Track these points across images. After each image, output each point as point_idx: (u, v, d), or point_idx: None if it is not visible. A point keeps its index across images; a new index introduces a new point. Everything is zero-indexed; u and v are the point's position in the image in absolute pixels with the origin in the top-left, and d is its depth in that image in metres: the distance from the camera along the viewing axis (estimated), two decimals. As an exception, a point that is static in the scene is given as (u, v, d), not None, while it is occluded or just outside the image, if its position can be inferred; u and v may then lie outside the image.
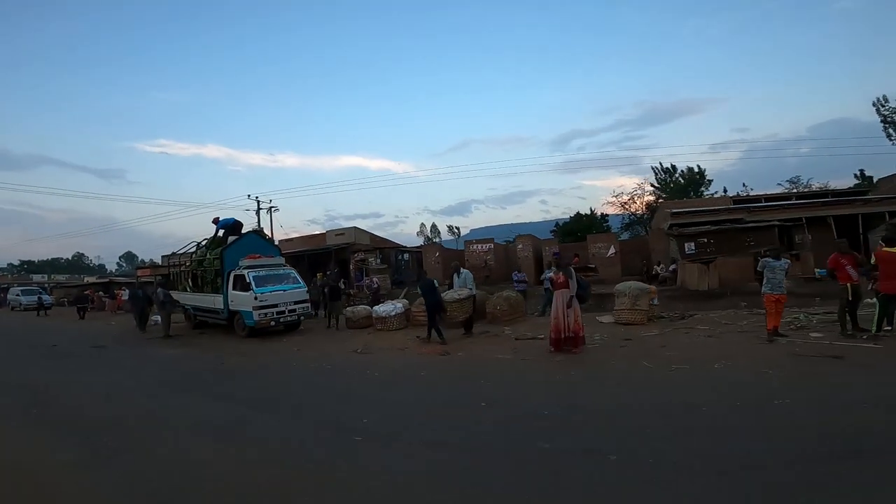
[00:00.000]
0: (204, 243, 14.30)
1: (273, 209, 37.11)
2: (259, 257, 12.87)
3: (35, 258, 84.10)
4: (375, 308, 12.20)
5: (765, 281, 7.48)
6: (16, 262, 79.86)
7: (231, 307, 12.36)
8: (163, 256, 17.18)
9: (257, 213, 36.85)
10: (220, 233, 13.83)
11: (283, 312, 12.42)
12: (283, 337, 11.89)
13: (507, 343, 8.70)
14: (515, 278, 16.24)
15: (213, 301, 12.94)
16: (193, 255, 14.50)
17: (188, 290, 14.29)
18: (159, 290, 13.52)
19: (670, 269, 20.01)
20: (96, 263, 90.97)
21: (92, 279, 49.99)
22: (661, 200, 35.89)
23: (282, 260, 13.55)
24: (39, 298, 27.33)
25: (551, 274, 8.88)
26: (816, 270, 15.28)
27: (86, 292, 29.05)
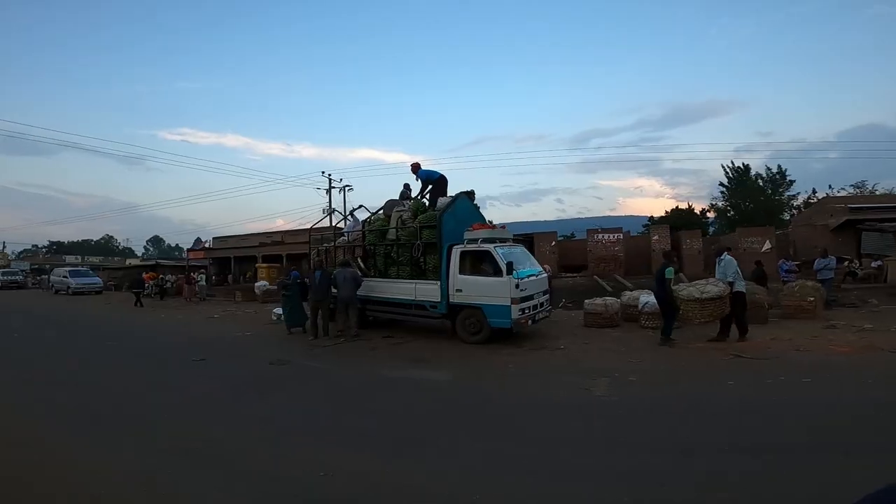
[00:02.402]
0: (379, 212, 10.18)
1: (347, 188, 33.32)
2: (486, 227, 8.77)
3: (63, 240, 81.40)
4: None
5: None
6: (44, 244, 77.17)
7: (455, 299, 8.27)
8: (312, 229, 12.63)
9: (328, 191, 33.03)
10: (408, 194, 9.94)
11: (536, 307, 8.34)
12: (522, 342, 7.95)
13: None
14: (785, 268, 12.08)
15: (415, 290, 8.76)
16: (368, 225, 10.29)
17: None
18: (341, 270, 9.13)
19: (873, 264, 17.27)
20: (125, 246, 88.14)
21: (135, 261, 46.68)
22: (720, 203, 34.73)
23: (510, 234, 9.41)
24: (140, 286, 20.93)
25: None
26: None
27: (144, 275, 25.36)
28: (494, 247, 8.05)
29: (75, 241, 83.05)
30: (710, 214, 36.20)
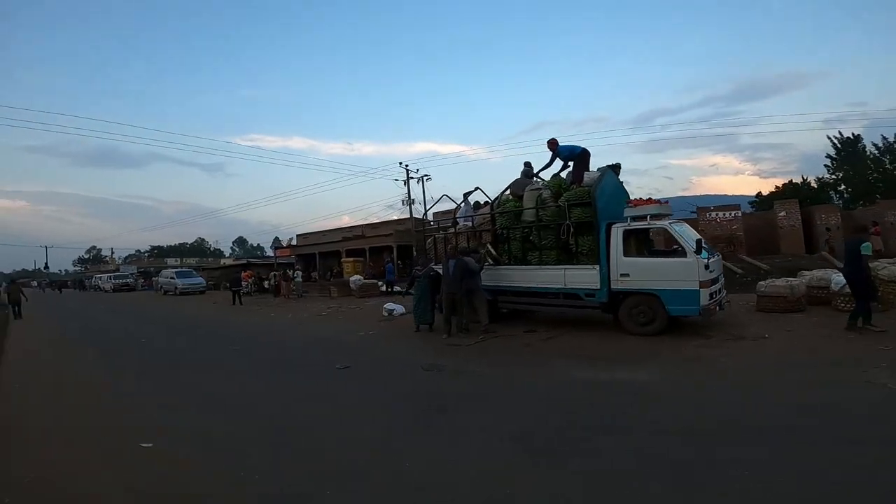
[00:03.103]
0: (505, 193, 9.27)
1: (426, 178, 33.04)
2: (648, 203, 7.59)
3: (162, 244, 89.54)
4: None
5: None
6: (146, 248, 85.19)
7: (619, 285, 7.10)
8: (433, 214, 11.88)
9: (406, 182, 32.92)
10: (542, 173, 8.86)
11: (720, 291, 7.09)
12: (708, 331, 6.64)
13: None
14: None
15: (565, 277, 7.69)
16: (496, 206, 9.28)
17: (488, 262, 9.30)
18: (463, 259, 8.37)
19: None
20: (215, 248, 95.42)
21: (228, 261, 49.78)
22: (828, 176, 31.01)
23: (671, 210, 8.13)
24: (238, 284, 21.20)
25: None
26: None
27: (242, 273, 26.47)
28: (670, 223, 6.85)
29: (172, 244, 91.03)
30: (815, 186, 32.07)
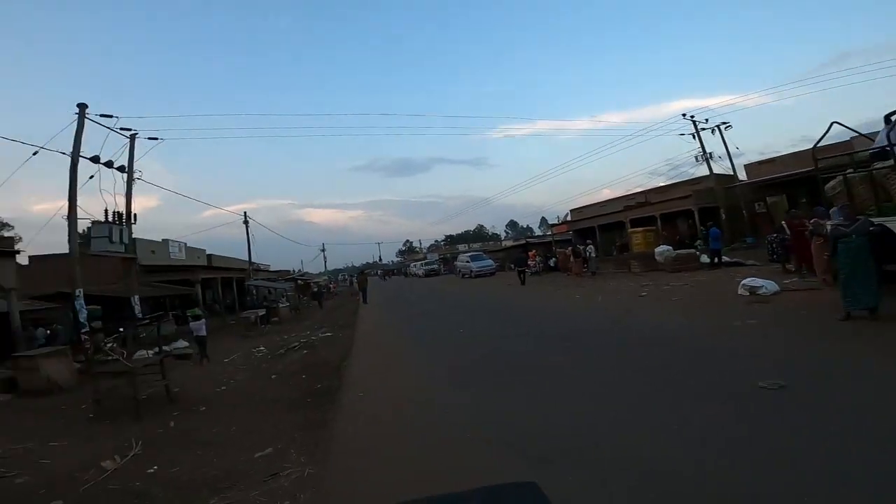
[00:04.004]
0: None
1: (724, 126, 26.45)
2: None
3: (452, 233, 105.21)
4: None
5: None
6: (441, 238, 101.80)
7: None
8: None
9: (695, 135, 27.05)
10: None
11: None
12: None
13: None
14: None
15: None
16: None
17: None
18: None
19: None
20: (493, 233, 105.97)
21: (509, 243, 53.38)
22: None
23: None
24: (523, 264, 22.11)
25: None
26: None
27: (528, 253, 26.64)
28: None
29: (459, 233, 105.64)
30: None
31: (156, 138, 15.26)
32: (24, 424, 7.10)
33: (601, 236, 31.50)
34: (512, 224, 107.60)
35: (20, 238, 42.87)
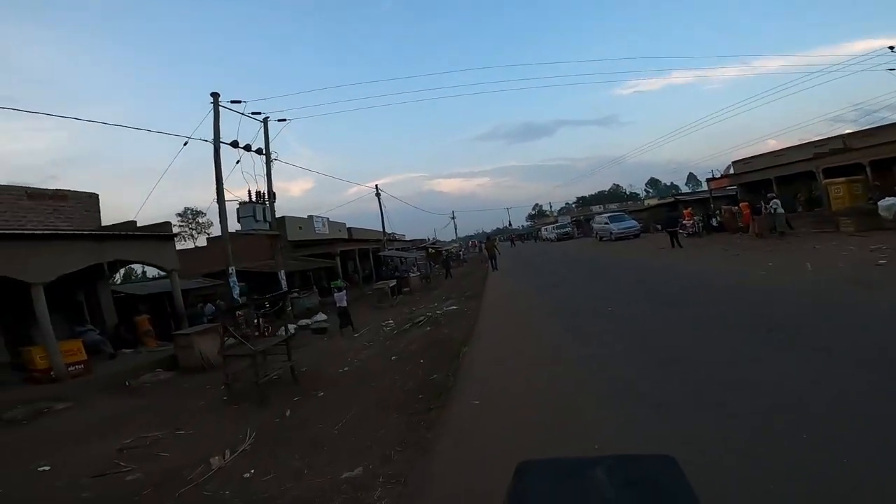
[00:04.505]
0: None
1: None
2: None
3: (584, 194, 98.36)
4: None
5: None
6: (572, 200, 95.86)
7: None
8: None
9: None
10: None
11: None
12: None
13: None
14: None
15: None
16: None
17: None
18: None
19: None
20: (631, 192, 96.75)
21: (652, 201, 47.57)
22: None
23: None
24: (673, 225, 18.06)
25: None
26: None
27: (683, 211, 22.55)
28: None
29: (592, 194, 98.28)
30: None
31: (284, 119, 15.72)
32: (170, 403, 7.60)
33: (778, 190, 25.20)
34: (652, 182, 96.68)
35: (211, 223, 51.77)
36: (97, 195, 13.38)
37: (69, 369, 8.87)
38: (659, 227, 25.78)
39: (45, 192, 12.08)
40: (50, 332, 8.68)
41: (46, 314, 8.70)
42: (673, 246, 17.01)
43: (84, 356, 9.21)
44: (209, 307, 14.99)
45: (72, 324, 12.05)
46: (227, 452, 4.81)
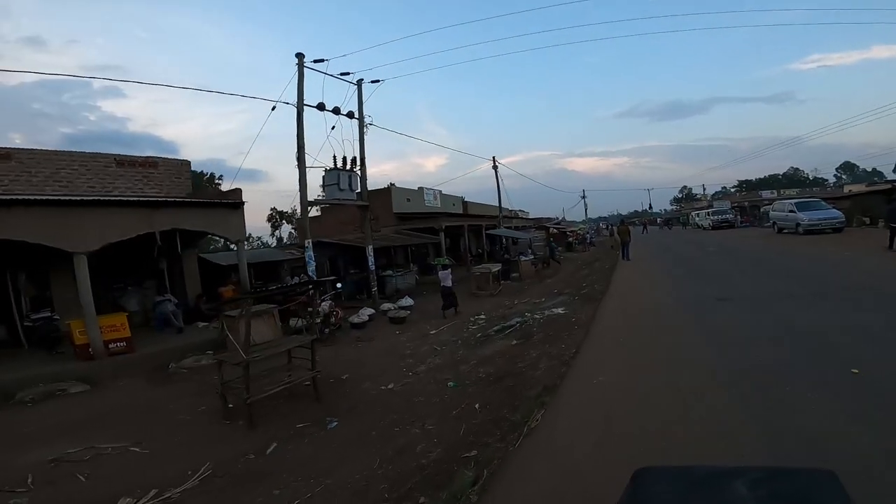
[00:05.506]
0: None
1: None
2: None
3: (749, 178, 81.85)
4: None
5: None
6: (733, 184, 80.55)
7: None
8: None
9: None
10: None
11: None
12: None
13: None
14: None
15: None
16: None
17: None
18: None
19: None
20: (815, 177, 77.97)
21: (852, 188, 36.68)
22: None
23: None
24: None
25: None
26: None
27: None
28: None
29: (761, 177, 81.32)
30: None
31: (377, 80, 13.77)
32: (167, 404, 6.28)
33: None
34: (847, 166, 75.94)
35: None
36: (188, 162, 13.13)
37: (109, 346, 8.12)
38: (882, 221, 18.57)
39: (136, 160, 12.00)
40: (90, 305, 7.96)
41: (88, 285, 7.98)
42: (891, 247, 12.15)
43: (128, 332, 8.43)
44: (294, 280, 14.10)
45: (149, 292, 11.90)
46: (150, 493, 3.67)
